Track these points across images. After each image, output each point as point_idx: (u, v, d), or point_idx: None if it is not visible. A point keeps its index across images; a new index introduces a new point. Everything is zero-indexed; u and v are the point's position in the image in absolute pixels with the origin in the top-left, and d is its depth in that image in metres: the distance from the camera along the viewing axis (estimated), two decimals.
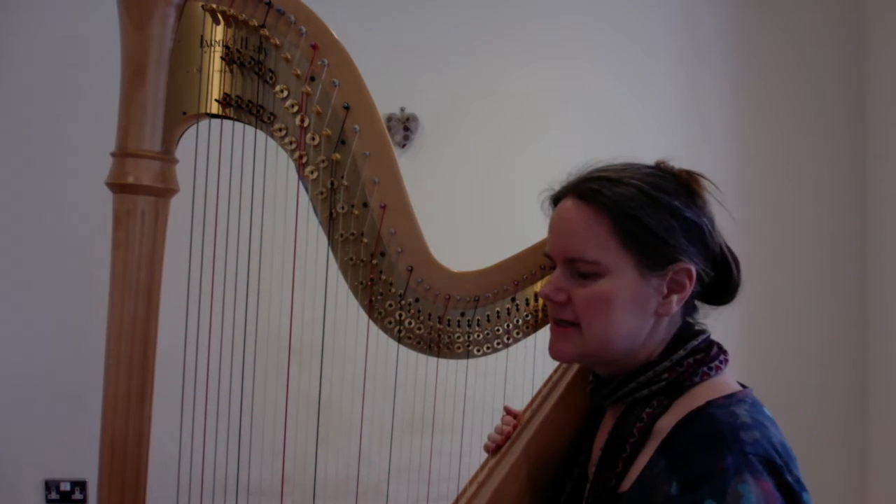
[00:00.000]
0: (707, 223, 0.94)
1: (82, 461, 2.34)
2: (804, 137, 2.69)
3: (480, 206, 2.55)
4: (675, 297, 0.92)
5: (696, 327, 0.99)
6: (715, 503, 0.79)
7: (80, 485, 2.42)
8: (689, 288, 0.92)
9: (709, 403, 0.88)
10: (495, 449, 1.15)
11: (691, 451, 0.85)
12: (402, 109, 2.55)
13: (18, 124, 2.41)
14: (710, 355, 0.94)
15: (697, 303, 0.99)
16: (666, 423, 0.89)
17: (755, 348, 2.59)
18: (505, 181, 2.54)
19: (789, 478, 0.81)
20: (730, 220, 1.01)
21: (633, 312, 0.93)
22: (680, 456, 0.85)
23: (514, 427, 1.15)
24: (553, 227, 0.99)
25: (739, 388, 0.94)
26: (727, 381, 0.94)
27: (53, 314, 2.42)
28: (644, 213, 0.90)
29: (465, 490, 1.16)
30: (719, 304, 1.00)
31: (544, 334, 1.11)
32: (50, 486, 2.42)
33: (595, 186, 0.93)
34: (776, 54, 2.70)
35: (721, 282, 0.97)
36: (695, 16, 2.70)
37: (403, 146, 2.54)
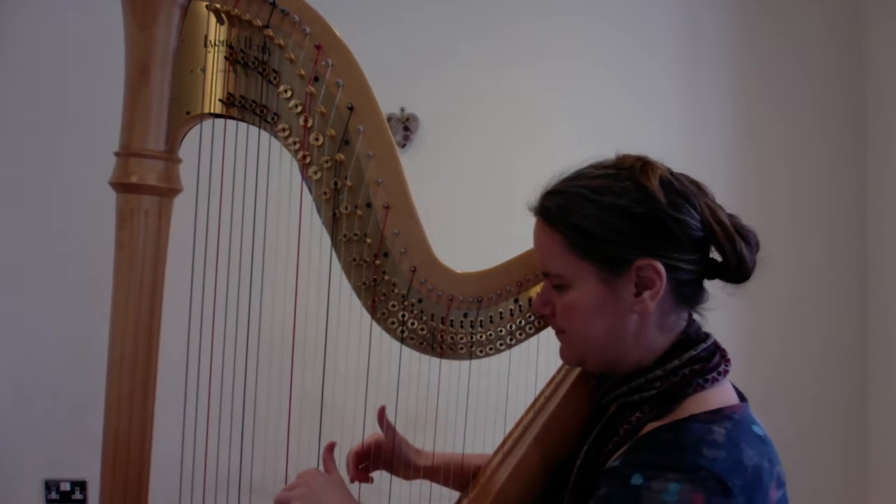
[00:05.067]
0: (665, 212, 0.89)
1: (82, 461, 2.34)
2: (804, 137, 2.69)
3: (480, 206, 2.55)
4: (646, 294, 0.91)
5: (702, 331, 0.98)
6: (642, 479, 0.81)
7: (80, 485, 2.42)
8: (661, 283, 0.90)
9: (691, 417, 0.87)
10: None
11: (646, 448, 0.86)
12: (402, 109, 2.55)
13: (21, 123, 2.41)
14: (708, 366, 0.92)
15: (719, 284, 0.96)
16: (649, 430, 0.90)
17: (754, 349, 2.59)
18: (505, 181, 2.53)
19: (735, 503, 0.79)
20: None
21: (605, 317, 0.94)
22: (636, 450, 0.87)
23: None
24: (533, 243, 1.03)
25: (733, 401, 0.92)
26: (719, 394, 0.92)
27: (54, 314, 2.41)
28: (588, 223, 0.91)
29: (466, 491, 1.16)
30: (736, 283, 0.95)
31: (547, 335, 1.11)
32: (50, 486, 2.41)
33: (545, 203, 0.97)
34: (776, 54, 2.70)
35: (723, 260, 0.94)
36: (695, 16, 2.71)
37: (403, 146, 2.54)
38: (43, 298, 2.42)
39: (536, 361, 1.19)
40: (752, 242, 0.94)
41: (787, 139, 2.70)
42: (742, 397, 0.97)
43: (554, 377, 1.17)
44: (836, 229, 2.69)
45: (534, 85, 2.61)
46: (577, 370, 1.12)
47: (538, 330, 1.11)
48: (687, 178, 0.96)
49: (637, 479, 0.81)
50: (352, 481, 1.21)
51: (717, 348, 0.96)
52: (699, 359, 0.93)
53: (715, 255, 0.95)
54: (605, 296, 0.93)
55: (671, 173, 0.95)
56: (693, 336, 0.96)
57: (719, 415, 0.88)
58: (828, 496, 2.60)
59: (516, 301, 1.10)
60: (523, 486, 1.07)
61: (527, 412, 1.17)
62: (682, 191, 0.92)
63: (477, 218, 2.51)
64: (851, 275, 2.69)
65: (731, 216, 0.95)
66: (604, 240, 0.91)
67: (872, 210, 2.66)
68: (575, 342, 0.99)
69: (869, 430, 2.66)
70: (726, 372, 0.94)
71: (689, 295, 0.96)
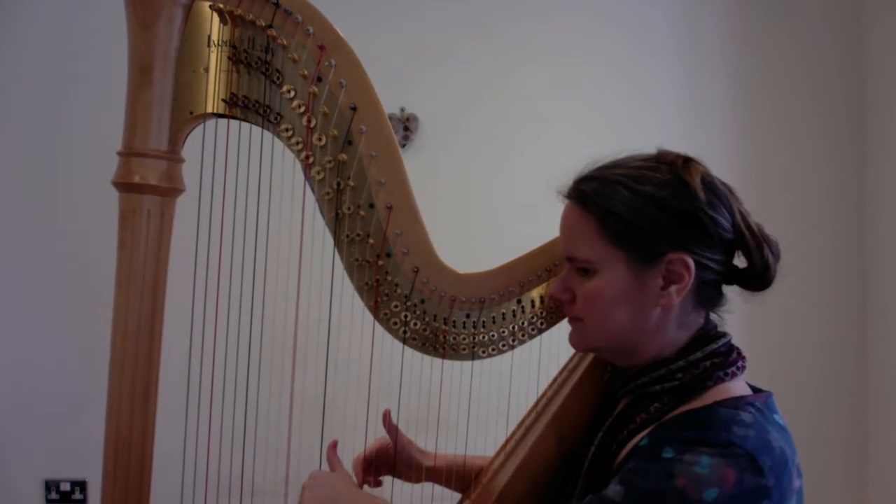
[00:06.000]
0: (703, 210, 0.91)
1: (82, 461, 2.34)
2: (804, 137, 2.69)
3: (480, 206, 2.55)
4: (673, 288, 0.92)
5: (719, 329, 0.99)
6: (673, 452, 0.81)
7: (80, 485, 2.41)
8: (689, 278, 0.91)
9: (715, 403, 0.88)
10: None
11: (674, 427, 0.86)
12: (402, 109, 2.54)
13: (22, 123, 2.40)
14: (728, 360, 0.94)
15: (736, 290, 0.98)
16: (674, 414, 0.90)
17: (754, 349, 2.57)
18: (505, 181, 2.54)
19: (764, 483, 0.79)
20: None
21: (628, 307, 0.93)
22: (664, 429, 0.87)
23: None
24: (560, 228, 1.01)
25: (751, 393, 0.94)
26: (739, 386, 0.94)
27: (54, 314, 2.41)
28: (625, 209, 0.91)
29: (468, 492, 1.16)
30: (756, 290, 0.98)
31: (549, 336, 1.11)
32: (50, 486, 2.41)
33: (582, 187, 0.96)
34: (776, 54, 2.70)
35: (749, 266, 0.96)
36: (695, 16, 2.70)
37: (403, 146, 2.53)
38: (43, 298, 2.41)
39: (539, 362, 1.19)
40: (775, 252, 0.97)
41: (787, 139, 2.69)
42: (759, 389, 0.97)
43: (556, 377, 1.17)
44: (835, 229, 2.69)
45: (534, 85, 2.61)
46: (584, 366, 1.12)
47: (541, 331, 1.11)
48: (720, 180, 0.97)
49: (668, 453, 0.82)
50: (360, 486, 1.21)
51: (733, 345, 0.98)
52: (720, 353, 0.94)
53: (738, 261, 0.97)
54: (632, 285, 0.93)
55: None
56: (712, 332, 0.97)
57: (742, 401, 0.89)
58: (828, 496, 2.60)
59: (519, 302, 1.10)
60: (527, 484, 1.07)
61: (529, 413, 1.17)
62: (719, 192, 0.94)
63: (477, 218, 2.51)
64: (851, 275, 2.68)
65: (757, 223, 0.97)
66: (639, 228, 0.91)
67: (872, 210, 2.66)
68: (592, 330, 0.97)
69: (869, 430, 2.66)
70: (743, 368, 0.95)
71: (708, 297, 0.97)
